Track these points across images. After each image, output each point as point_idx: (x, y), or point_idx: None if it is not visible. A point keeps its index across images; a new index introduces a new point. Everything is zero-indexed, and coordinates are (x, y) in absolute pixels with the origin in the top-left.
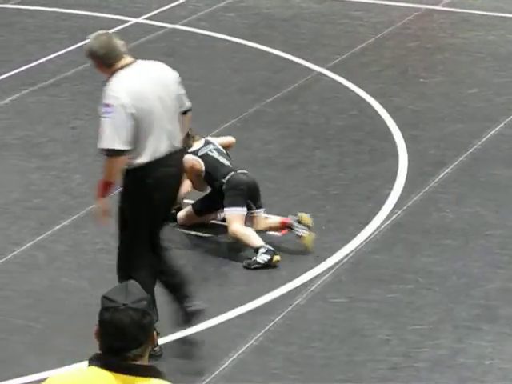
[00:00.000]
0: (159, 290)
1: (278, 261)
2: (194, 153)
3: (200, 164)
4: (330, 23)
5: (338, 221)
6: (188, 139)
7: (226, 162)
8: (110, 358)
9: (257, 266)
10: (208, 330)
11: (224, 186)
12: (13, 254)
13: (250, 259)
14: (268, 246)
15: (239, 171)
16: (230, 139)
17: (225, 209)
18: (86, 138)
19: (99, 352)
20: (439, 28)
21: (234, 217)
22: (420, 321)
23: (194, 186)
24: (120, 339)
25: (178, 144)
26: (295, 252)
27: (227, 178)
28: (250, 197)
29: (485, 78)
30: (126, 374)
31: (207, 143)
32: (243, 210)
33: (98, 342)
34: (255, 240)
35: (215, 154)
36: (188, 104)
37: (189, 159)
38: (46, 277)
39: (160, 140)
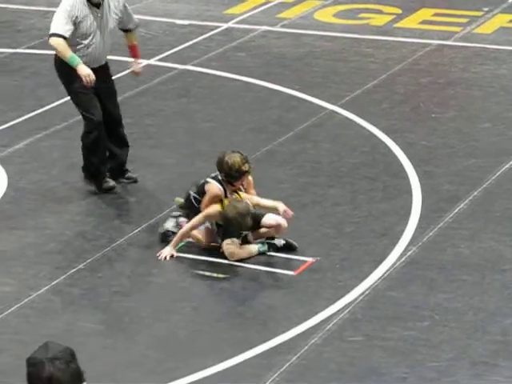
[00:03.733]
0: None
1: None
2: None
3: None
4: (342, 61)
5: (353, 259)
6: None
7: None
8: None
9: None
10: (224, 372)
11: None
12: (29, 298)
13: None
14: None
15: None
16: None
17: None
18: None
19: None
20: (450, 63)
21: None
22: (437, 358)
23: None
24: None
25: None
26: (310, 291)
27: None
28: None
29: (497, 113)
30: None
31: None
32: None
33: None
34: None
35: None
36: None
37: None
38: (63, 321)
39: None
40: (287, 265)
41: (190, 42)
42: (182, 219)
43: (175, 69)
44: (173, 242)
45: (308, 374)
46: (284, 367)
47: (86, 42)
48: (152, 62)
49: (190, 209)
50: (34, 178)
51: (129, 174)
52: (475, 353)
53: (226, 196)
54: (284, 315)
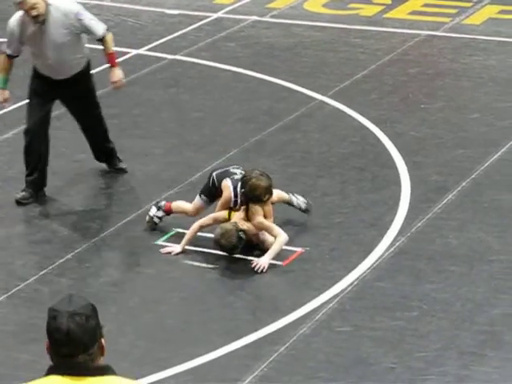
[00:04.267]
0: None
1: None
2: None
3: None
4: (331, 51)
5: (342, 249)
6: None
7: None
8: (61, 364)
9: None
10: (213, 362)
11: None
12: (17, 288)
13: (301, 209)
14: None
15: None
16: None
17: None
18: (88, 170)
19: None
20: (439, 54)
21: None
22: (425, 348)
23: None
24: (66, 344)
25: None
26: (299, 281)
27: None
28: None
29: (486, 103)
30: (79, 375)
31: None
32: None
33: (49, 356)
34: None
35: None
36: None
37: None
38: None
39: None
40: (276, 255)
41: (180, 32)
42: (162, 202)
43: (164, 59)
44: (184, 241)
45: (296, 364)
46: (272, 357)
47: (40, 57)
48: (141, 51)
49: (206, 187)
50: (23, 168)
51: (120, 165)
52: (463, 343)
53: (235, 206)
54: (273, 305)
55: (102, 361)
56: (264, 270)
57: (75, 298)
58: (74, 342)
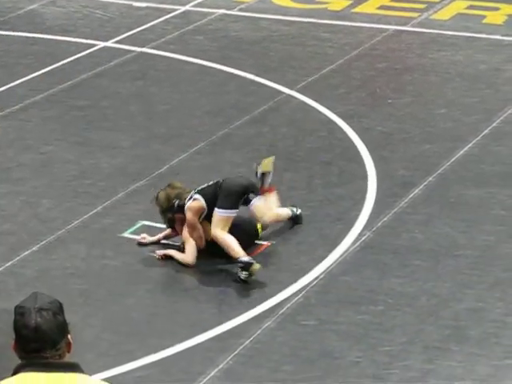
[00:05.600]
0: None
1: (257, 269)
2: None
3: (200, 201)
4: (299, 45)
5: (308, 242)
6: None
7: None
8: (30, 360)
9: (240, 281)
10: (178, 354)
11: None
12: None
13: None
14: (245, 258)
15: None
16: None
17: (215, 209)
18: (54, 162)
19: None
20: (407, 49)
21: (219, 219)
22: (390, 342)
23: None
24: (35, 340)
25: None
26: (264, 274)
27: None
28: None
29: (453, 99)
30: (49, 371)
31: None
32: (232, 212)
33: (17, 354)
34: (234, 250)
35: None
36: None
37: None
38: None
39: None
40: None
41: (148, 25)
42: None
43: (132, 51)
44: (161, 235)
45: (261, 357)
46: (237, 350)
47: None
48: (109, 44)
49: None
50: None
51: None
52: (428, 337)
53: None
54: (238, 298)
55: (68, 358)
56: (157, 256)
57: (41, 296)
58: (42, 336)
